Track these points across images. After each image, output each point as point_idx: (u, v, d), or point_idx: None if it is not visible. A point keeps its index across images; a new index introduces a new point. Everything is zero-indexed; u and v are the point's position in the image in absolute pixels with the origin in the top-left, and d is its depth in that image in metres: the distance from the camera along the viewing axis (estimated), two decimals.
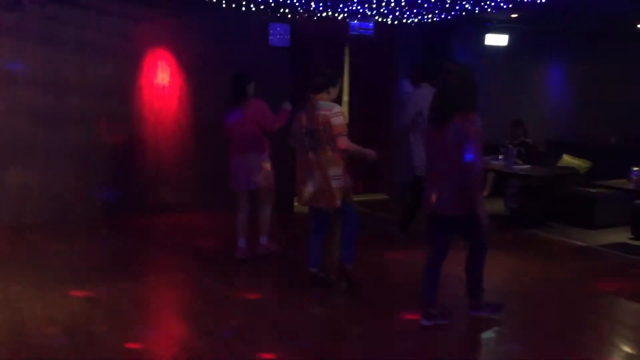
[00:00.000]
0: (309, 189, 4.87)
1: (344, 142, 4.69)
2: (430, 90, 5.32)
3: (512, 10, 7.75)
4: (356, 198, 8.78)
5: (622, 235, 6.96)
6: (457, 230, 4.18)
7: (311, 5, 7.58)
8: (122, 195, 7.47)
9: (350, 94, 8.99)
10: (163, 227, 7.18)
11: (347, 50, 8.88)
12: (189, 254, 6.15)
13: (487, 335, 4.28)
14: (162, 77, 7.62)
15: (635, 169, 6.25)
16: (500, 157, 7.90)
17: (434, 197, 4.08)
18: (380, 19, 8.52)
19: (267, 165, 5.85)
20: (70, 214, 7.21)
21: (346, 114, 8.70)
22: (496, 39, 9.82)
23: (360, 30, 8.52)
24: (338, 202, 4.78)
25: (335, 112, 4.72)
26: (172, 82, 7.69)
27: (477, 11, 7.66)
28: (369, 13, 8.08)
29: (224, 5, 7.50)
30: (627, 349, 4.00)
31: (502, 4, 7.12)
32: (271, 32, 8.07)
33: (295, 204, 8.52)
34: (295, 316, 4.46)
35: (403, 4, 7.31)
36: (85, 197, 7.31)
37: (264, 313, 4.49)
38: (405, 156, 7.09)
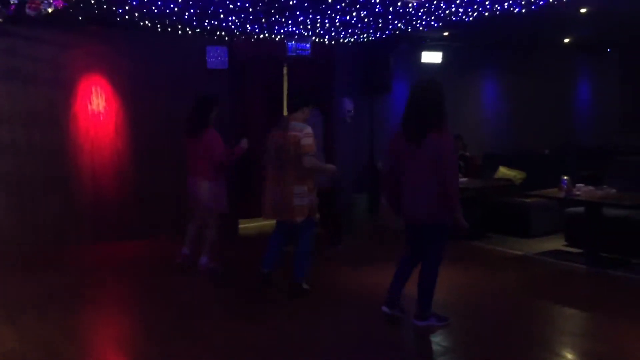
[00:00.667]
0: (271, 203, 5.16)
1: (308, 161, 4.96)
2: (313, 114, 5.75)
3: (443, 29, 7.99)
4: None
5: (557, 243, 7.19)
6: (423, 237, 4.44)
7: (247, 28, 7.63)
8: (59, 226, 7.26)
9: (290, 114, 8.99)
10: (102, 258, 6.99)
11: (285, 71, 8.93)
12: (128, 284, 6.02)
13: (431, 348, 4.32)
14: (97, 103, 7.48)
15: (565, 177, 6.48)
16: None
17: (408, 208, 4.37)
18: (317, 39, 8.63)
19: (214, 189, 5.99)
20: (3, 247, 6.95)
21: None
22: (431, 56, 10.08)
23: (298, 51, 8.60)
24: (297, 219, 5.04)
25: (305, 132, 4.98)
26: (107, 108, 7.56)
27: (410, 30, 7.87)
28: (306, 34, 8.18)
29: (159, 29, 7.46)
30: (568, 355, 4.11)
31: (432, 23, 7.34)
32: (209, 55, 8.04)
33: (240, 226, 8.50)
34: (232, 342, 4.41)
35: (338, 24, 7.43)
36: (19, 230, 7.06)
37: (205, 339, 4.43)
38: None
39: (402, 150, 4.38)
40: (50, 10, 5.51)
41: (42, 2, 5.43)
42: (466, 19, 6.93)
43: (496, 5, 6.25)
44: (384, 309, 4.59)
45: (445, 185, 4.17)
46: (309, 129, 5.04)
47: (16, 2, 5.68)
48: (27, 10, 5.57)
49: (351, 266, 6.43)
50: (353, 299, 5.33)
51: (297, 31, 7.93)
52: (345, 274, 6.15)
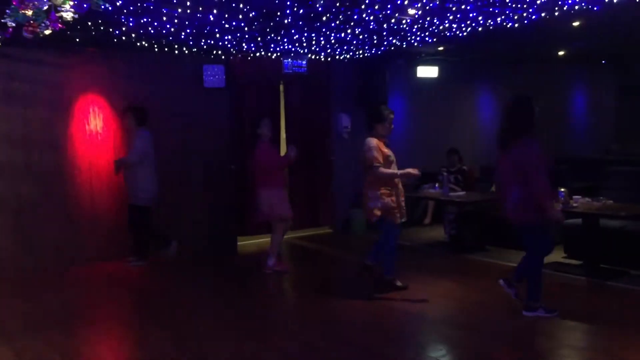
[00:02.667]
0: None
1: (376, 171, 5.69)
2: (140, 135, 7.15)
3: (438, 44, 8.05)
4: (300, 233, 8.94)
5: (556, 255, 7.16)
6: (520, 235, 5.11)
7: (243, 46, 7.69)
8: (57, 246, 7.26)
9: (287, 131, 9.07)
10: (101, 278, 6.99)
11: (282, 88, 8.99)
12: (128, 304, 6.02)
13: None
14: (94, 123, 7.51)
15: (562, 190, 6.51)
16: (437, 185, 8.10)
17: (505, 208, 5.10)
18: (313, 56, 8.70)
19: (274, 198, 6.79)
20: (3, 268, 6.94)
21: (283, 150, 8.84)
22: (427, 71, 10.15)
23: (294, 68, 8.67)
24: (371, 218, 5.82)
25: (366, 147, 5.77)
26: (105, 128, 7.59)
27: (404, 46, 7.93)
28: (302, 51, 8.24)
29: (156, 49, 7.52)
30: None
31: (427, 38, 7.40)
32: (206, 73, 8.09)
33: (239, 243, 8.51)
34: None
35: (333, 41, 7.49)
36: (19, 251, 7.06)
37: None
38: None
39: (499, 158, 5.22)
40: (47, 32, 5.54)
41: (40, 25, 5.45)
42: (460, 34, 6.99)
43: (489, 20, 6.31)
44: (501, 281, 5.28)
45: (530, 188, 4.78)
46: (368, 144, 5.77)
47: (13, 25, 5.73)
48: (24, 33, 5.60)
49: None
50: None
51: (293, 49, 8.00)
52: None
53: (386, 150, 5.83)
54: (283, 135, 9.14)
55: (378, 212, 5.73)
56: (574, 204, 6.39)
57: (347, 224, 9.30)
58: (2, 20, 5.49)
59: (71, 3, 4.89)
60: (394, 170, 5.84)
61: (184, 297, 6.13)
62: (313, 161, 9.11)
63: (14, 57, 6.97)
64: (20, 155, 7.07)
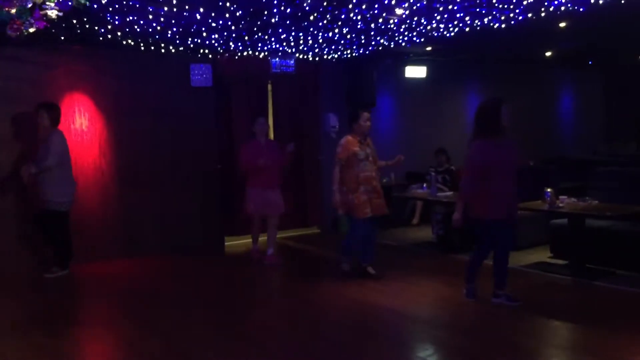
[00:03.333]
0: None
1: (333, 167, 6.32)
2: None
3: (426, 44, 8.05)
4: (289, 233, 8.91)
5: (543, 255, 7.22)
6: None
7: (231, 45, 7.65)
8: (41, 246, 7.18)
9: (275, 130, 9.04)
10: (87, 278, 6.92)
11: (270, 88, 8.96)
12: (111, 304, 5.96)
13: None
14: (80, 122, 7.44)
15: (549, 190, 6.52)
16: (425, 185, 8.10)
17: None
18: (300, 56, 8.67)
19: (272, 195, 7.32)
20: None
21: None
22: (415, 71, 10.16)
23: (282, 68, 8.64)
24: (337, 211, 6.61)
25: (338, 143, 6.33)
26: (91, 127, 7.52)
27: (392, 46, 7.93)
28: (289, 51, 8.21)
29: (142, 48, 7.46)
30: None
31: (414, 38, 7.40)
32: (193, 72, 8.04)
33: (226, 244, 8.47)
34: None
35: (321, 41, 7.47)
36: (1, 251, 6.97)
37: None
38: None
39: None
40: (31, 30, 5.47)
41: (24, 23, 5.39)
42: (447, 35, 7.00)
43: (476, 21, 6.31)
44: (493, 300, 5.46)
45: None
46: (340, 141, 6.34)
47: None
48: (8, 32, 5.53)
49: (337, 282, 6.41)
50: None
51: (280, 48, 7.97)
52: (332, 291, 6.13)
53: (356, 149, 6.10)
54: (271, 135, 9.11)
55: (339, 208, 6.23)
56: (560, 204, 6.40)
57: (335, 223, 9.28)
58: None
59: (55, 1, 4.85)
60: (360, 170, 6.13)
61: (171, 297, 6.08)
62: (301, 161, 9.08)
63: None
64: (5, 154, 6.99)
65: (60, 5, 4.76)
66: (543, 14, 5.89)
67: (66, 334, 5.05)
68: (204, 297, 6.12)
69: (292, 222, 8.98)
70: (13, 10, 5.11)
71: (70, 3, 4.71)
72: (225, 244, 8.42)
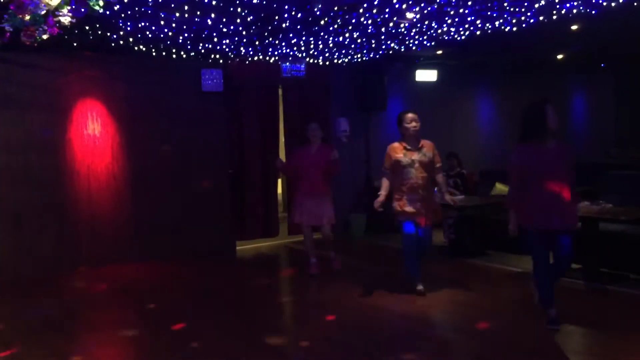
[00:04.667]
0: None
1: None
2: None
3: (436, 48, 8.04)
4: (300, 237, 8.88)
5: None
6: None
7: (242, 50, 7.68)
8: (56, 251, 7.23)
9: (286, 135, 9.06)
10: (100, 282, 6.96)
11: (280, 92, 8.98)
12: (126, 308, 5.98)
13: None
14: (92, 127, 7.50)
15: None
16: (436, 189, 8.05)
17: None
18: (311, 60, 8.69)
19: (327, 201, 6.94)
20: (1, 272, 6.92)
21: (283, 154, 8.84)
22: (426, 75, 10.14)
23: (293, 72, 8.65)
24: None
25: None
26: (103, 132, 7.57)
27: (403, 50, 7.92)
28: (300, 55, 8.23)
29: (153, 54, 7.51)
30: None
31: (425, 42, 7.39)
32: (204, 77, 8.08)
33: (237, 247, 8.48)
34: None
35: (331, 45, 7.48)
36: (17, 255, 7.04)
37: None
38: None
39: None
40: (45, 37, 5.53)
41: (37, 29, 5.45)
42: (458, 38, 6.98)
43: (487, 24, 6.30)
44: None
45: None
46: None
47: (11, 29, 5.72)
48: (22, 38, 5.59)
49: (353, 287, 6.40)
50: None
51: (291, 53, 7.99)
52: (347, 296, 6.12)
53: (399, 155, 5.80)
54: (282, 139, 9.13)
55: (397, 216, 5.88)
56: None
57: (346, 227, 9.28)
58: (0, 25, 5.50)
59: (68, 8, 4.89)
60: (404, 178, 5.80)
61: (183, 301, 6.10)
62: None
63: (12, 62, 6.98)
64: (19, 159, 7.06)
65: (73, 12, 4.80)
66: (555, 17, 5.87)
67: (80, 337, 5.09)
68: (215, 299, 6.12)
69: None
70: (27, 17, 5.17)
71: (83, 10, 4.75)
72: (237, 248, 8.44)
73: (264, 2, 5.25)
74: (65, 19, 5.31)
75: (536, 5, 5.45)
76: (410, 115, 5.88)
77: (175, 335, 5.05)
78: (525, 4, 5.37)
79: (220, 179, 8.31)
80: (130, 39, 6.78)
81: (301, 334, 5.02)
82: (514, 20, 6.12)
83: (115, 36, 6.59)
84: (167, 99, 7.94)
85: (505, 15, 5.87)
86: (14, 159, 7.04)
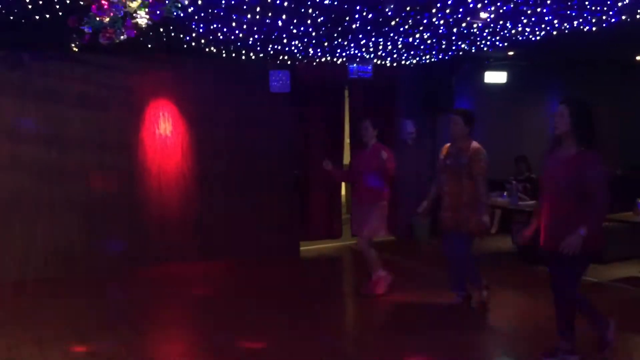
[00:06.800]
0: None
1: None
2: None
3: (508, 48, 7.82)
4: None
5: (633, 269, 6.85)
6: None
7: (310, 52, 7.69)
8: (127, 248, 7.45)
9: (352, 137, 9.01)
10: (168, 279, 7.13)
11: (347, 94, 8.95)
12: (193, 306, 6.09)
13: None
14: (164, 127, 7.68)
15: None
16: (505, 193, 7.86)
17: None
18: (378, 61, 8.61)
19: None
20: (74, 268, 7.19)
21: (348, 156, 8.80)
22: (495, 76, 9.89)
23: (359, 74, 8.58)
24: None
25: None
26: (174, 132, 7.75)
27: (474, 50, 7.74)
28: (367, 56, 8.17)
29: (223, 55, 7.62)
30: None
31: (497, 43, 7.19)
32: (271, 79, 8.14)
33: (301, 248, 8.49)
34: None
35: (400, 46, 7.39)
36: (89, 251, 7.29)
37: None
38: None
39: None
40: (122, 38, 5.69)
41: (115, 31, 5.61)
42: (533, 38, 6.76)
43: (565, 24, 6.06)
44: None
45: None
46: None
47: (90, 31, 5.92)
48: (101, 39, 5.77)
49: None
50: None
51: (359, 54, 7.94)
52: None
53: (441, 157, 5.64)
54: (347, 140, 9.10)
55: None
56: None
57: (409, 231, 9.16)
58: (80, 27, 5.71)
59: (146, 10, 5.01)
60: (441, 179, 5.56)
61: (245, 299, 6.15)
62: None
63: (89, 63, 7.23)
64: (94, 157, 7.31)
65: (151, 15, 4.91)
66: (639, 16, 5.59)
67: (150, 332, 5.22)
68: (274, 299, 6.15)
69: None
70: (106, 20, 5.33)
71: (159, 12, 4.85)
72: (300, 248, 8.46)
73: (336, 3, 5.23)
74: (142, 21, 5.46)
75: (619, 4, 5.20)
76: (452, 116, 5.65)
77: (239, 331, 5.09)
78: (608, 2, 5.13)
79: (286, 180, 8.36)
80: (202, 41, 6.89)
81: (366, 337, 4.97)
82: (593, 20, 5.87)
83: (188, 38, 6.71)
84: (236, 100, 8.05)
85: (585, 15, 5.63)
86: (89, 156, 7.29)
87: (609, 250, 7.24)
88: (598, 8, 5.36)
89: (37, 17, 5.93)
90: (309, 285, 6.80)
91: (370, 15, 5.61)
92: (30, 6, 5.52)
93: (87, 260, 7.28)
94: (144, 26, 5.44)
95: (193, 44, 6.97)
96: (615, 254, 7.27)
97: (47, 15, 5.86)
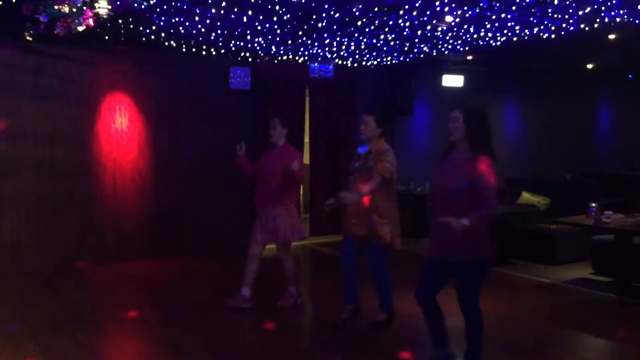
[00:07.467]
0: None
1: None
2: None
3: (468, 52, 7.96)
4: (320, 240, 8.84)
5: (584, 271, 7.05)
6: None
7: (272, 49, 7.63)
8: (80, 244, 7.21)
9: (311, 136, 8.99)
10: (121, 276, 6.93)
11: (307, 93, 8.92)
12: (147, 304, 5.94)
13: None
14: (120, 121, 7.47)
15: (594, 205, 6.38)
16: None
17: None
18: (339, 62, 8.62)
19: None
20: (25, 264, 6.91)
21: (307, 156, 8.78)
22: (452, 80, 10.05)
23: (321, 73, 8.59)
24: None
25: None
26: (130, 126, 7.55)
27: (435, 53, 7.84)
28: (329, 56, 8.17)
29: (183, 50, 7.48)
30: None
31: (458, 47, 7.31)
32: (232, 75, 8.05)
33: None
34: None
35: (363, 47, 7.41)
36: (41, 247, 7.02)
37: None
38: None
39: None
40: (80, 29, 5.50)
41: (73, 21, 5.42)
42: (493, 44, 6.89)
43: (525, 30, 6.21)
44: None
45: None
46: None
47: (46, 20, 5.69)
48: (58, 29, 5.57)
49: None
50: None
51: (321, 53, 7.93)
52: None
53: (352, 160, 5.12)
54: (306, 139, 9.07)
55: None
56: (606, 220, 6.25)
57: None
58: (35, 16, 5.48)
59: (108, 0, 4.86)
60: (350, 183, 5.01)
61: (208, 297, 6.05)
62: (336, 168, 9.02)
63: (43, 53, 6.96)
64: (46, 151, 7.04)
65: (115, 5, 4.75)
66: (596, 25, 5.77)
67: (104, 330, 5.06)
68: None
69: (332, 229, 8.78)
70: (65, 9, 5.14)
71: (121, 2, 4.70)
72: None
73: (304, 1, 5.19)
74: (103, 12, 5.29)
75: (580, 13, 5.35)
76: (364, 117, 4.95)
77: (200, 332, 4.99)
78: (570, 10, 5.27)
79: (242, 177, 8.23)
80: (162, 34, 6.74)
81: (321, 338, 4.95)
82: (552, 28, 6.03)
83: (148, 30, 6.55)
84: (195, 96, 7.91)
85: (546, 22, 5.77)
86: (41, 150, 7.02)
87: (560, 252, 7.49)
88: (559, 16, 5.50)
89: None
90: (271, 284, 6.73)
91: (337, 15, 5.61)
92: None
93: (38, 256, 7.01)
94: (104, 16, 5.28)
95: (152, 37, 6.81)
96: (567, 256, 7.48)
97: (0, 2, 5.60)
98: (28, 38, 6.13)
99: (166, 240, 7.74)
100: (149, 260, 7.50)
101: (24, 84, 6.90)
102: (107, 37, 6.88)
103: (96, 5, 5.17)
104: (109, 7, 5.02)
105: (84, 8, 5.24)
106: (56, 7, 5.26)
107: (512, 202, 8.54)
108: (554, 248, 7.49)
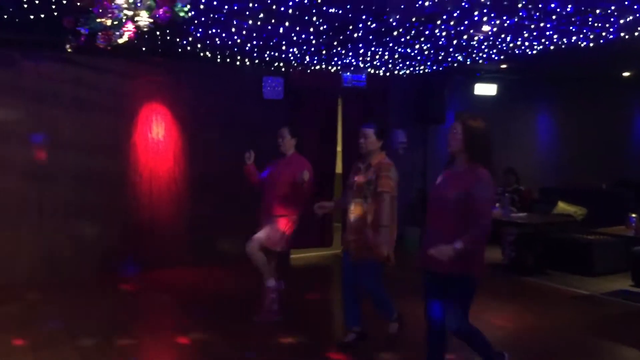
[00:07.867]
0: None
1: None
2: None
3: (503, 61, 7.89)
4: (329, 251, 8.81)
5: (623, 283, 6.93)
6: None
7: (305, 59, 7.67)
8: (116, 252, 7.31)
9: (344, 145, 9.00)
10: (157, 284, 7.00)
11: (340, 102, 8.94)
12: (183, 311, 6.00)
13: None
14: (156, 131, 7.57)
15: (634, 215, 6.27)
16: (497, 205, 7.89)
17: None
18: (372, 71, 8.62)
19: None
20: (63, 272, 7.02)
21: (340, 164, 8.78)
22: (485, 89, 9.98)
23: (353, 82, 8.60)
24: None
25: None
26: (166, 136, 7.64)
27: (468, 62, 7.80)
28: (362, 65, 8.18)
29: (218, 60, 7.56)
30: None
31: (493, 55, 7.25)
32: (265, 85, 8.11)
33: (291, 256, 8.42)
34: None
35: (396, 56, 7.40)
36: (78, 255, 7.13)
37: None
38: None
39: None
40: (121, 41, 5.59)
41: (114, 33, 5.51)
42: (530, 52, 6.83)
43: (563, 39, 6.14)
44: None
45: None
46: None
47: (87, 32, 5.80)
48: (99, 41, 5.66)
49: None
50: None
51: (354, 62, 7.94)
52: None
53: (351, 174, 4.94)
54: (339, 149, 9.08)
55: None
56: None
57: (401, 240, 9.15)
58: (76, 28, 5.59)
59: (150, 13, 4.92)
60: (347, 198, 4.92)
61: (238, 304, 6.07)
62: None
63: (83, 65, 7.09)
64: (85, 161, 7.16)
65: (157, 18, 4.82)
66: (637, 34, 5.68)
67: (142, 337, 5.12)
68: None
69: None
70: (108, 22, 5.23)
71: (168, 15, 4.77)
72: (291, 256, 8.40)
73: (341, 12, 5.21)
74: (144, 24, 5.37)
75: (621, 21, 5.27)
76: (363, 130, 4.82)
77: (235, 339, 5.01)
78: (612, 19, 5.20)
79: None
80: (198, 45, 6.83)
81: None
82: (591, 36, 5.95)
83: (184, 42, 6.64)
84: (229, 105, 7.99)
85: (585, 30, 5.70)
86: (80, 160, 7.14)
87: (598, 263, 7.37)
88: (599, 25, 5.43)
89: (32, 17, 5.81)
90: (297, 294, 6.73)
91: (373, 25, 5.61)
92: (25, 5, 5.40)
93: (75, 265, 7.11)
94: (145, 29, 5.36)
95: (188, 48, 6.90)
96: (605, 267, 7.36)
97: (42, 15, 5.74)
98: (69, 50, 6.27)
99: (201, 248, 7.80)
100: (185, 269, 7.56)
101: (64, 94, 7.04)
102: (144, 49, 6.99)
103: (137, 18, 5.26)
104: (150, 19, 5.09)
105: (125, 20, 5.34)
106: (98, 19, 5.37)
107: (547, 211, 8.44)
108: (592, 259, 7.38)
